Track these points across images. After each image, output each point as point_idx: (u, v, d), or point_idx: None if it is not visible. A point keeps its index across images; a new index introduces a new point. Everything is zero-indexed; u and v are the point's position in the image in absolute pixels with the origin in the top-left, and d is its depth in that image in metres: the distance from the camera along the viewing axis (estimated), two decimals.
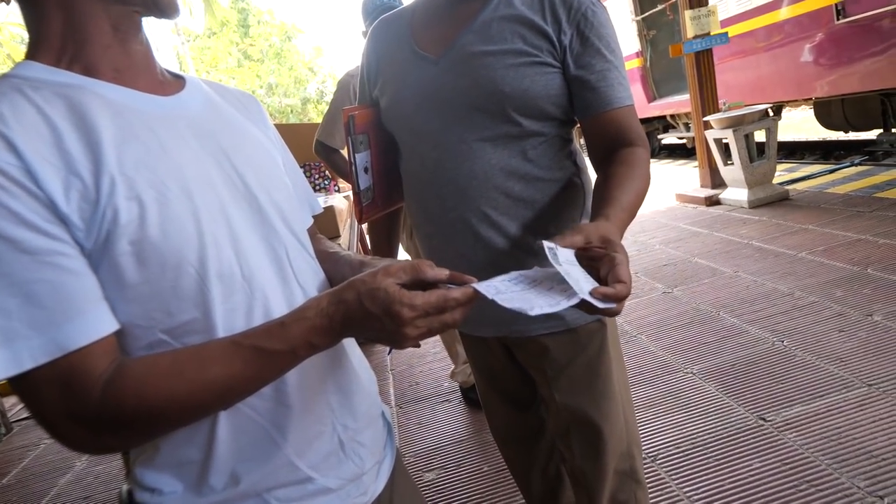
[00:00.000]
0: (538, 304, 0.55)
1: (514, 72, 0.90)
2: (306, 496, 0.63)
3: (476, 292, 0.56)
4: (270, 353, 0.53)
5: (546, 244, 0.63)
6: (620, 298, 0.59)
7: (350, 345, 0.73)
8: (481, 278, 1.00)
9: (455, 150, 0.95)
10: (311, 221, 0.80)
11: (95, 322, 0.49)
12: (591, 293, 0.57)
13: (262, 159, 0.67)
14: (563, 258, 0.62)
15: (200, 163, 0.59)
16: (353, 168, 1.04)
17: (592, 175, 0.99)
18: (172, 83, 0.65)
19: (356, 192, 1.07)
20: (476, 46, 0.92)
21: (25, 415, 3.38)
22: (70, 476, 2.50)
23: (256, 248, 0.61)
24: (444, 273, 0.57)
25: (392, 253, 1.27)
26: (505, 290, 0.58)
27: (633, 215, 0.82)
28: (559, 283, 0.59)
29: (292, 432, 0.61)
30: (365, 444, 0.69)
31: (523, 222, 0.97)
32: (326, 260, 0.77)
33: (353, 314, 0.53)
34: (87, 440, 0.51)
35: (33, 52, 0.56)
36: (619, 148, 0.91)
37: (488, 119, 0.93)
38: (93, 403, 0.49)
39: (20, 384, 0.48)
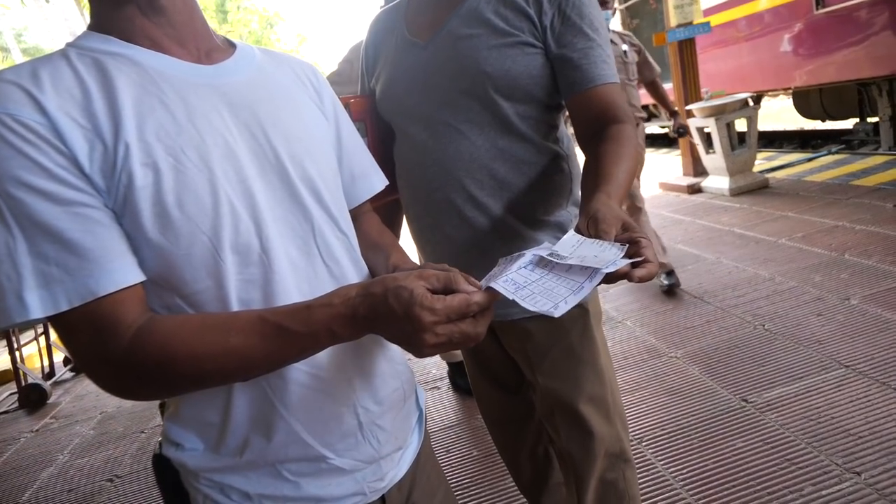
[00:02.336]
0: (561, 294, 0.52)
1: (497, 52, 0.91)
2: (319, 473, 0.63)
3: (496, 292, 0.54)
4: (292, 333, 0.53)
5: (541, 253, 0.59)
6: (650, 277, 0.58)
7: None
8: (466, 260, 1.01)
9: (442, 132, 0.97)
10: (359, 200, 0.79)
11: (124, 271, 0.52)
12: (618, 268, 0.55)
13: (304, 132, 0.66)
14: (566, 251, 0.59)
15: (228, 133, 0.59)
16: None
17: (580, 162, 0.99)
18: (220, 51, 0.65)
19: None
20: (461, 30, 0.94)
21: (4, 409, 3.31)
22: (53, 469, 2.46)
23: (280, 222, 0.61)
24: (477, 285, 0.55)
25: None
26: (524, 283, 0.55)
27: (626, 190, 0.82)
28: (573, 269, 0.56)
29: (304, 410, 0.61)
30: (385, 427, 0.68)
31: (508, 205, 0.98)
32: (370, 248, 0.76)
33: (378, 309, 0.52)
34: (113, 382, 0.54)
35: (91, 24, 0.60)
36: (607, 125, 0.90)
37: (474, 101, 0.95)
38: (121, 348, 0.51)
39: (59, 324, 0.51)
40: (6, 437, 2.90)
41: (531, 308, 0.51)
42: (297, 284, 0.61)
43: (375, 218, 0.84)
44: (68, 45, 0.58)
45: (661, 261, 1.58)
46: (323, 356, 0.61)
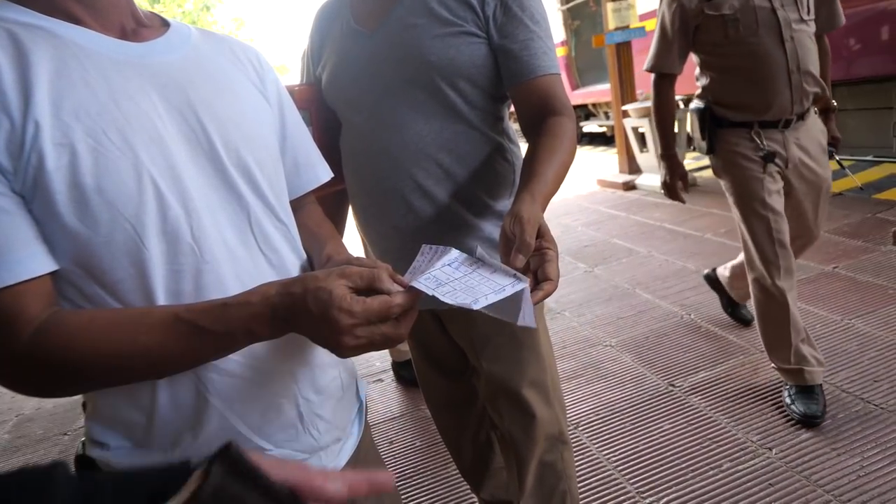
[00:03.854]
0: (482, 292, 0.53)
1: (440, 41, 0.92)
2: None
3: (417, 290, 0.53)
4: (207, 332, 0.51)
5: (479, 252, 0.60)
6: (548, 296, 0.63)
7: None
8: (413, 249, 1.02)
9: (388, 121, 0.97)
10: (302, 190, 0.76)
11: (26, 262, 0.49)
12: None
13: (241, 117, 0.63)
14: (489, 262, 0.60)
15: (156, 115, 0.56)
16: None
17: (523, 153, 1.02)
18: (152, 29, 0.61)
19: None
20: (406, 19, 0.95)
21: None
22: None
23: (214, 209, 0.58)
24: (403, 284, 0.54)
25: (339, 233, 1.26)
26: (445, 280, 0.55)
27: (557, 185, 0.83)
28: (501, 270, 0.58)
29: (240, 402, 0.60)
30: (325, 417, 0.67)
31: (454, 194, 1.00)
32: (309, 238, 0.74)
33: (297, 310, 0.50)
34: (12, 379, 0.51)
35: None
36: (546, 117, 0.92)
37: (419, 90, 0.95)
38: (22, 343, 0.49)
39: None
40: None
41: (450, 302, 0.51)
42: (235, 274, 0.59)
43: (318, 209, 0.83)
44: None
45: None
46: (260, 347, 0.59)
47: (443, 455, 1.85)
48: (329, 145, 1.10)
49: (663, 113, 1.88)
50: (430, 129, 0.97)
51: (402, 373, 2.39)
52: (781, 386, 1.84)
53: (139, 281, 0.54)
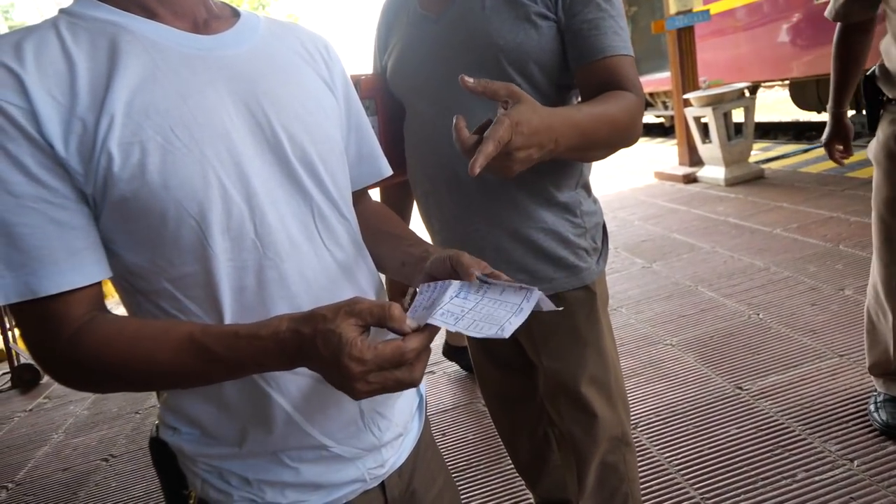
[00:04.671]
0: (503, 317, 0.51)
1: (509, 24, 0.90)
2: (319, 460, 0.63)
3: (434, 329, 0.51)
4: (218, 358, 0.50)
5: (478, 276, 0.58)
6: (486, 157, 0.64)
7: None
8: (472, 239, 1.00)
9: (452, 106, 0.95)
10: (363, 183, 0.76)
11: (70, 273, 0.50)
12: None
13: (307, 110, 0.62)
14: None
15: (223, 110, 0.56)
16: None
17: None
18: (221, 20, 0.61)
19: None
20: (473, 2, 0.93)
21: None
22: (47, 448, 2.45)
23: (278, 204, 0.58)
24: (411, 325, 0.50)
25: (404, 223, 1.26)
26: (462, 314, 0.53)
27: (591, 128, 0.80)
28: (507, 286, 0.55)
29: (304, 400, 0.60)
30: (386, 415, 0.67)
31: (517, 182, 0.97)
32: (375, 234, 0.73)
33: (307, 351, 0.49)
34: (55, 374, 0.54)
35: None
36: (612, 88, 0.88)
37: (486, 75, 0.92)
38: (61, 344, 0.51)
39: (11, 310, 0.52)
40: None
41: (478, 335, 0.50)
42: (299, 270, 0.59)
43: (379, 203, 0.82)
44: (60, 11, 0.55)
45: None
46: None
47: (497, 449, 1.83)
48: (394, 134, 1.10)
49: (837, 61, 1.62)
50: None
51: (457, 359, 2.38)
52: (863, 394, 1.71)
53: (204, 277, 0.55)
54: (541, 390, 1.18)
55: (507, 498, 1.65)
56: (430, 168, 1.02)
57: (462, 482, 1.74)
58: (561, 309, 0.66)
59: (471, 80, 0.68)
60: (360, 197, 0.77)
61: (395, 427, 0.69)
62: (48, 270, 0.49)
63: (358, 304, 0.49)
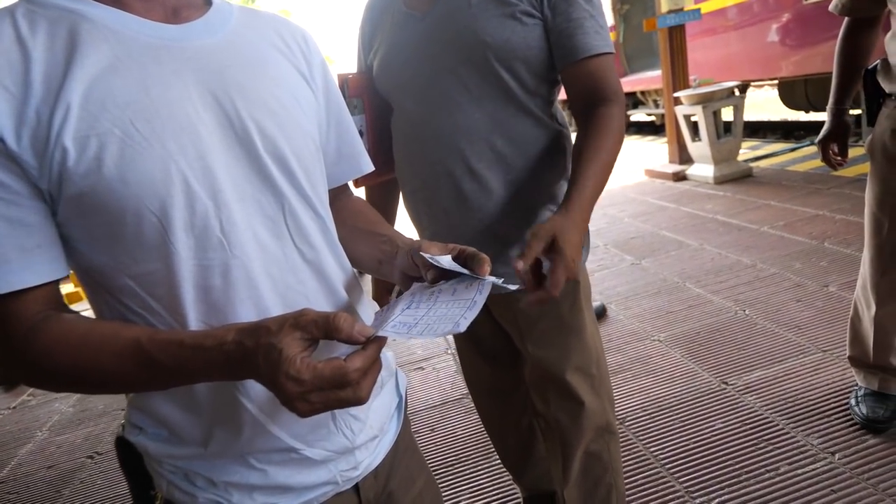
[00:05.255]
0: (458, 314, 0.50)
1: (497, 22, 0.91)
2: (288, 462, 0.61)
3: (383, 339, 0.50)
4: (164, 367, 0.49)
5: (427, 256, 0.58)
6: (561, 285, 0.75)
7: (361, 305, 0.68)
8: (462, 233, 1.01)
9: (440, 104, 0.96)
10: (343, 180, 0.74)
11: (21, 272, 0.49)
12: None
13: (280, 104, 0.59)
14: (447, 262, 0.57)
15: (189, 102, 0.53)
16: None
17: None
18: (191, 8, 0.59)
19: None
20: (460, 1, 0.93)
21: None
22: (31, 446, 2.43)
23: (245, 201, 0.56)
24: (360, 338, 0.48)
25: (389, 222, 1.25)
26: (415, 321, 0.52)
27: (600, 188, 0.88)
28: (459, 283, 0.55)
29: (270, 402, 0.57)
30: (359, 417, 0.65)
31: (505, 178, 0.98)
32: (361, 239, 0.70)
33: (250, 365, 0.47)
34: (14, 371, 0.53)
35: None
36: (595, 106, 0.92)
37: (472, 72, 0.94)
38: (14, 343, 0.50)
39: None
40: None
41: (432, 336, 0.49)
42: (265, 269, 0.56)
43: (359, 200, 0.80)
44: None
45: None
46: None
47: (485, 445, 1.84)
48: (381, 133, 1.10)
49: (840, 57, 1.56)
50: (483, 112, 0.95)
51: None
52: (845, 388, 1.73)
53: (167, 275, 0.53)
54: (527, 379, 1.19)
55: (495, 492, 1.65)
56: (418, 165, 1.03)
57: (450, 478, 1.74)
58: (522, 288, 0.70)
59: (521, 263, 0.73)
60: (339, 193, 0.75)
61: (370, 429, 0.67)
62: None
63: (304, 316, 0.47)
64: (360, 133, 1.06)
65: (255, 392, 0.57)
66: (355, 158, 0.76)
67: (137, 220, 0.51)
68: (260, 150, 0.57)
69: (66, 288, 4.02)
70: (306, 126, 0.63)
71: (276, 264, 0.57)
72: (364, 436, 0.66)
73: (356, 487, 0.66)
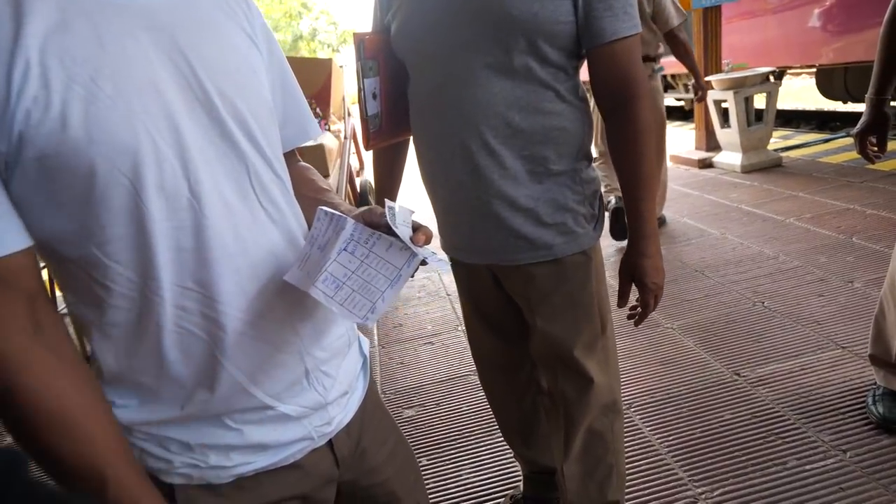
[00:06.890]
0: (379, 287, 0.55)
1: None
2: (264, 420, 0.62)
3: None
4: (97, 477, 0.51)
5: (388, 203, 0.58)
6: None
7: None
8: (475, 207, 1.00)
9: (460, 75, 0.94)
10: (291, 145, 0.72)
11: None
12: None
13: (232, 64, 0.58)
14: (402, 220, 0.58)
15: (147, 62, 0.51)
16: (362, 93, 1.03)
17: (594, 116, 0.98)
18: None
19: (364, 118, 1.06)
20: None
21: None
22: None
23: (211, 162, 0.55)
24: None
25: (394, 186, 1.24)
26: (344, 278, 0.56)
27: (653, 198, 0.99)
28: (397, 241, 0.57)
29: (247, 360, 0.59)
30: (331, 374, 0.67)
31: (521, 154, 0.97)
32: (306, 206, 0.69)
33: None
34: None
35: None
36: (622, 107, 0.94)
37: (495, 45, 0.91)
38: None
39: None
40: None
41: (346, 318, 0.54)
42: (233, 229, 0.56)
43: (303, 166, 0.78)
44: None
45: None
46: (265, 306, 0.58)
47: (488, 421, 1.84)
48: (396, 96, 1.08)
49: (885, 42, 1.48)
50: (503, 87, 0.93)
51: None
52: (862, 387, 1.69)
53: (139, 239, 0.52)
54: (534, 353, 1.18)
55: (497, 467, 1.65)
56: (435, 135, 1.01)
57: (452, 453, 1.75)
58: (448, 265, 0.69)
59: (633, 320, 0.88)
60: (288, 158, 0.73)
61: (340, 385, 0.69)
62: None
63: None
64: (374, 95, 1.04)
65: (233, 353, 0.58)
66: (302, 123, 0.74)
67: (107, 181, 0.49)
68: (222, 113, 0.56)
69: None
70: (260, 88, 0.62)
71: (244, 224, 0.58)
72: (335, 391, 0.68)
73: (330, 445, 0.68)
